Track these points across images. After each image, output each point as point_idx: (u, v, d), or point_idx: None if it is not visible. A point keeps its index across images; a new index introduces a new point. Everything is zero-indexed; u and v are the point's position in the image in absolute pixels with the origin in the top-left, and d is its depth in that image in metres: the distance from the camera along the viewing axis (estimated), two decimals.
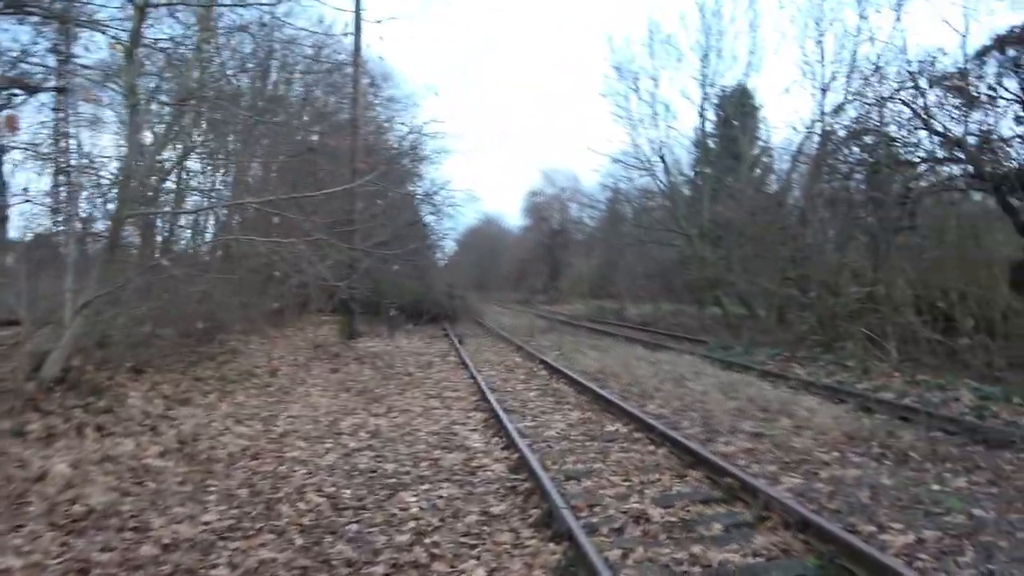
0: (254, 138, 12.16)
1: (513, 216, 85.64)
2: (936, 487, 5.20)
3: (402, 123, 25.28)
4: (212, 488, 5.42)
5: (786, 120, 45.90)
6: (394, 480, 5.69)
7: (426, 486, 5.51)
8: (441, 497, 5.22)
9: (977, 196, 13.31)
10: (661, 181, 20.58)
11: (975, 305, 10.84)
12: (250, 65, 11.96)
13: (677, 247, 21.48)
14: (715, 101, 20.37)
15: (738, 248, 17.87)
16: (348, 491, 5.38)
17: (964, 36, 11.72)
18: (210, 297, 11.99)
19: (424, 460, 6.32)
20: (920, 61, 13.39)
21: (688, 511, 4.90)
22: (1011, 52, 11.64)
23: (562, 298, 49.11)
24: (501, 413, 7.87)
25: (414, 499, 5.18)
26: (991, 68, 12.09)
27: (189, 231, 13.17)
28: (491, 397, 9.02)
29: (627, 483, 5.59)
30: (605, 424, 7.86)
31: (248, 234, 13.88)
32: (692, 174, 20.69)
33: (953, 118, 13.06)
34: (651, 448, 6.65)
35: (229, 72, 10.63)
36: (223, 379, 10.03)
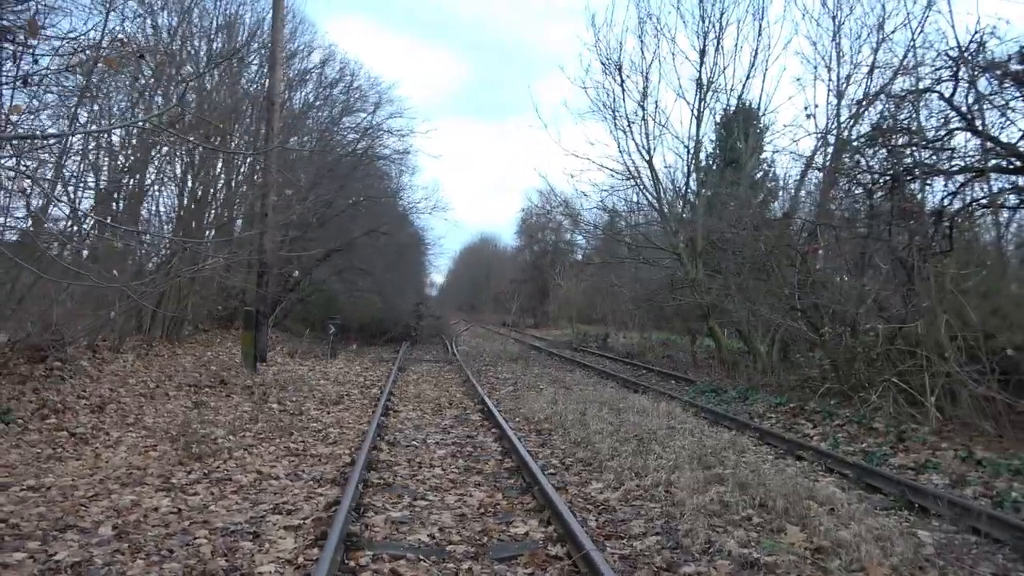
0: None
1: (510, 236, 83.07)
2: None
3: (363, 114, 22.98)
4: None
5: (797, 120, 42.72)
6: None
7: None
8: None
9: None
10: (650, 191, 17.85)
11: None
12: None
13: (668, 268, 18.72)
14: (714, 101, 17.68)
15: (736, 273, 15.12)
16: None
17: None
18: (45, 296, 9.25)
19: None
20: (964, 46, 10.62)
21: None
22: None
23: (549, 322, 46.39)
24: (349, 494, 5.04)
25: None
26: None
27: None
28: (363, 460, 6.19)
29: None
30: (514, 520, 5.06)
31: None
32: (685, 183, 17.97)
33: (1006, 116, 10.32)
34: None
35: None
36: None
